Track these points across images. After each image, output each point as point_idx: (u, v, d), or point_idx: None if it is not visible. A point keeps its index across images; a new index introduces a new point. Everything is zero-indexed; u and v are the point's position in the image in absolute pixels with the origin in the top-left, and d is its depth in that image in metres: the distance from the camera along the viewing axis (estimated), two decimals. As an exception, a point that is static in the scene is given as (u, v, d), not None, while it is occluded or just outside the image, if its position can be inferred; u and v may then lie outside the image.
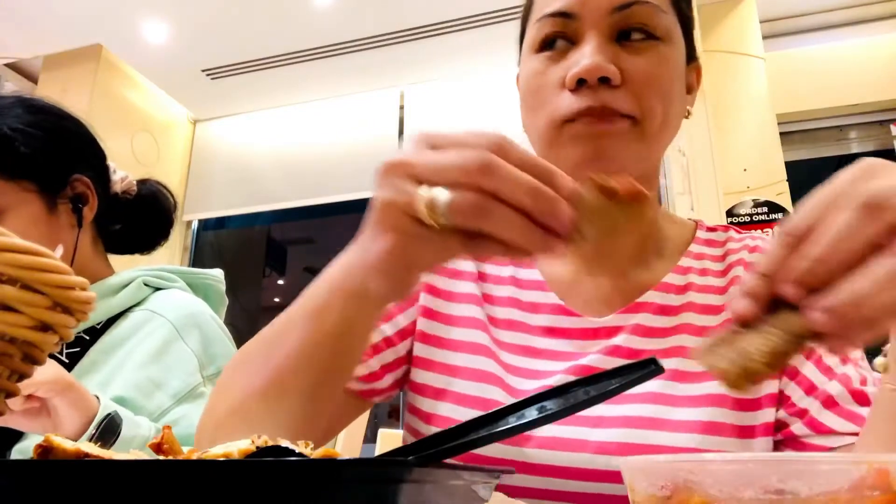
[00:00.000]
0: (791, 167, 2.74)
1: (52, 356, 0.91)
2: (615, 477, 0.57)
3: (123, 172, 1.04)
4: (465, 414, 0.64)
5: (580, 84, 0.60)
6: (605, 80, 0.59)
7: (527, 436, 0.61)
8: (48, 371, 0.73)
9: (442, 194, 0.37)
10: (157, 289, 1.03)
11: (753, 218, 2.68)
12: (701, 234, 0.74)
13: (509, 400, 0.62)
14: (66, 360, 0.92)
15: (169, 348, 0.92)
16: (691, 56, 0.69)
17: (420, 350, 0.70)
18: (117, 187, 1.02)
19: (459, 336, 0.69)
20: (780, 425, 0.61)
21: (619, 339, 0.65)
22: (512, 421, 0.32)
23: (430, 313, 0.71)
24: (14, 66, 3.48)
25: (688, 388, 0.61)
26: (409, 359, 0.71)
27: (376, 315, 0.49)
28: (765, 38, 2.88)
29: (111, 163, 1.05)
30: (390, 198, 0.40)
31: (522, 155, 0.38)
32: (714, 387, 0.61)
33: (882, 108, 2.92)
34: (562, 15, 0.62)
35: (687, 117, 0.69)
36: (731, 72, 2.81)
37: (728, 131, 2.72)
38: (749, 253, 0.70)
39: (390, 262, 0.42)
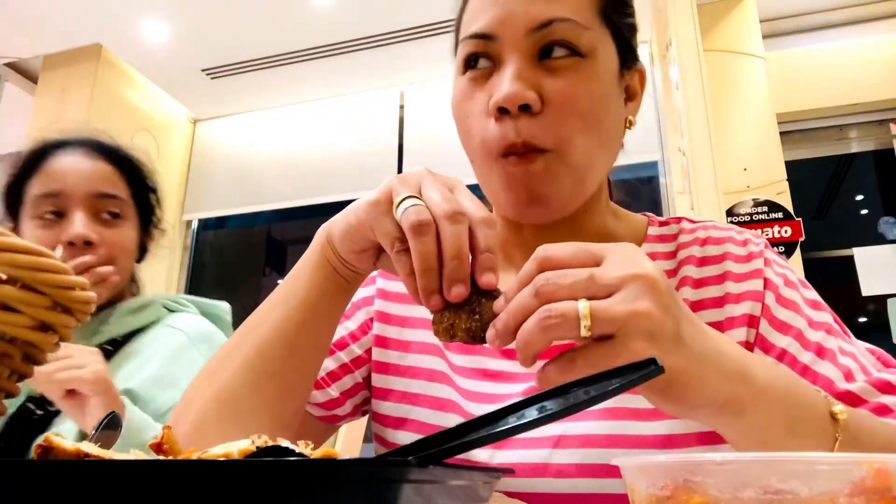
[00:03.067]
0: (791, 167, 2.74)
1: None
2: (581, 500, 0.57)
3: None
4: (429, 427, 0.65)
5: (502, 112, 0.59)
6: (525, 108, 0.58)
7: (487, 463, 0.60)
8: (97, 368, 0.82)
9: (408, 201, 0.46)
10: (174, 311, 1.15)
11: (753, 217, 2.68)
12: (653, 230, 0.71)
13: None
14: None
15: (182, 354, 1.03)
16: (632, 61, 0.66)
17: (377, 380, 0.70)
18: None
19: (415, 362, 0.69)
20: None
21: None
22: (512, 421, 0.32)
23: (383, 342, 0.71)
24: (14, 66, 3.48)
25: (644, 401, 0.60)
26: (367, 385, 0.71)
27: (339, 285, 0.56)
28: (765, 37, 2.88)
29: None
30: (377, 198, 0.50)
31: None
32: None
33: (882, 107, 2.91)
34: (482, 37, 0.61)
35: (629, 128, 0.67)
36: (731, 71, 2.81)
37: (728, 131, 2.72)
38: (700, 247, 0.67)
39: (350, 229, 0.52)
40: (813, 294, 0.64)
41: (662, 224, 0.72)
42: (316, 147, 3.69)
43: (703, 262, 0.66)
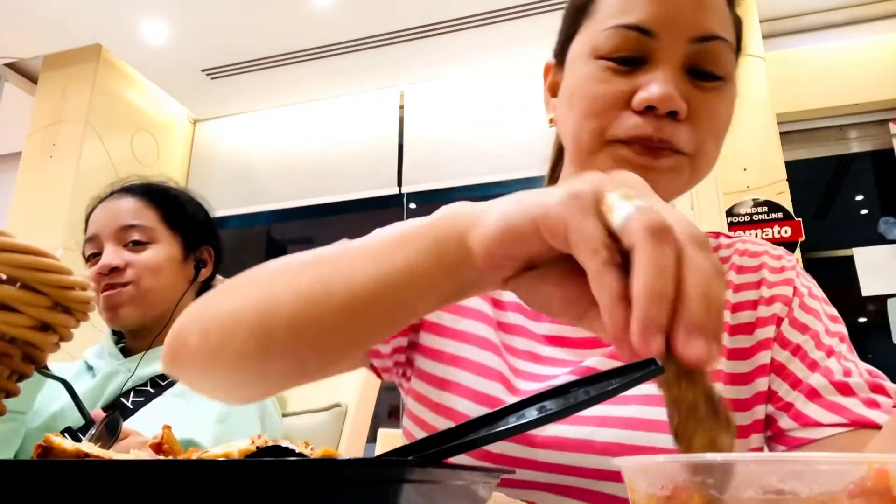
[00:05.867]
0: (791, 167, 2.74)
1: (118, 404, 1.04)
2: (620, 476, 0.57)
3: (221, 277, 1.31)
4: (467, 407, 0.64)
5: (647, 109, 0.59)
6: (672, 113, 0.59)
7: (532, 436, 0.61)
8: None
9: (633, 201, 0.33)
10: None
11: (753, 218, 2.68)
12: None
13: (511, 399, 0.62)
14: (131, 406, 1.05)
15: (233, 411, 1.07)
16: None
17: (427, 339, 0.70)
18: (215, 282, 1.28)
19: (468, 328, 0.69)
20: (769, 421, 0.62)
21: None
22: (512, 421, 0.32)
23: None
24: (14, 66, 3.48)
25: None
26: (414, 329, 0.71)
27: (438, 292, 0.43)
28: (765, 37, 2.88)
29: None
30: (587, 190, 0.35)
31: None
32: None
33: (882, 107, 2.92)
34: (641, 30, 0.60)
35: None
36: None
37: (728, 131, 2.72)
38: (739, 257, 0.71)
39: (519, 225, 0.36)
40: (833, 310, 0.69)
41: None
42: (316, 147, 3.69)
43: (741, 269, 0.70)
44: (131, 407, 1.04)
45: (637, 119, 0.59)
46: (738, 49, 0.66)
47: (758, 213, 2.68)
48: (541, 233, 0.35)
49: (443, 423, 0.66)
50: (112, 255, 1.12)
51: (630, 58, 0.61)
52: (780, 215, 2.66)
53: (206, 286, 1.25)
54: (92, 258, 1.15)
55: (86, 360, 1.16)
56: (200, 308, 0.53)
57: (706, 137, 0.62)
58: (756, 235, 2.44)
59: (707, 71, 0.61)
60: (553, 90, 0.71)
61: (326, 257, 0.48)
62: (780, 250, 0.73)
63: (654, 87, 0.58)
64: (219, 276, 1.27)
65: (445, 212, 0.43)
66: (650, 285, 0.30)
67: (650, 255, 0.31)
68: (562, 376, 0.64)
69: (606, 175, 0.37)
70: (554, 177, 0.79)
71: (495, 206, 0.40)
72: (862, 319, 3.09)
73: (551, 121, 0.71)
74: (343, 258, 0.46)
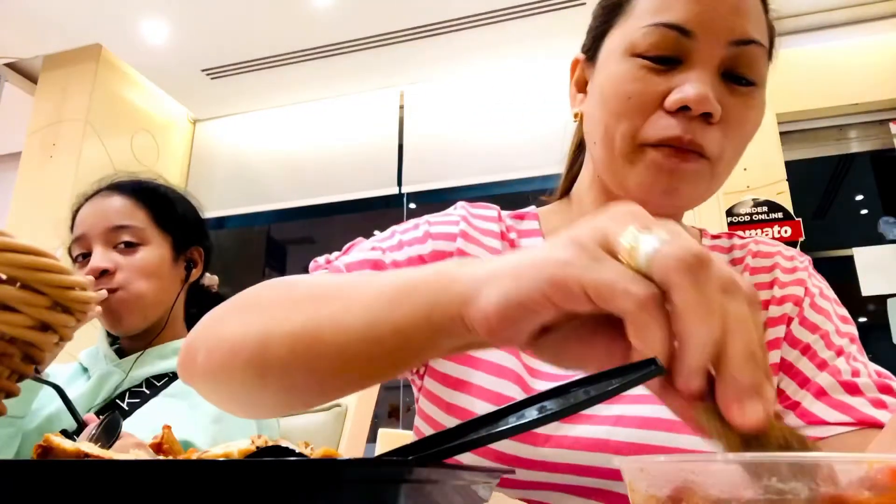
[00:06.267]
0: (791, 167, 2.74)
1: (113, 404, 1.03)
2: None
3: (215, 277, 1.30)
4: (482, 407, 0.63)
5: (680, 109, 0.59)
6: (705, 115, 0.58)
7: (546, 436, 0.60)
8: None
9: (651, 241, 0.31)
10: None
11: (753, 218, 2.68)
12: (706, 241, 0.75)
13: None
14: (127, 408, 1.03)
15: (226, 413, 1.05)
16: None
17: None
18: (205, 281, 1.27)
19: None
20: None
21: None
22: (512, 421, 0.32)
23: None
24: (14, 66, 3.48)
25: None
26: None
27: (433, 351, 0.41)
28: (765, 37, 2.87)
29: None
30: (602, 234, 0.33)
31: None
32: None
33: (882, 107, 2.91)
34: (679, 30, 0.59)
35: None
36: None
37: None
38: (752, 258, 0.71)
39: (527, 291, 0.33)
40: (844, 311, 0.69)
41: (715, 237, 0.77)
42: (316, 147, 3.69)
43: (754, 271, 0.70)
44: (127, 409, 1.03)
45: (669, 120, 0.59)
46: (770, 56, 0.66)
47: (758, 213, 2.68)
48: (552, 301, 0.32)
49: (454, 423, 0.65)
50: (102, 257, 1.09)
51: (667, 57, 0.60)
52: (779, 215, 2.66)
53: (199, 286, 1.24)
54: (80, 259, 1.12)
55: (80, 361, 1.15)
56: (209, 325, 0.54)
57: (732, 144, 0.61)
58: (756, 235, 2.44)
59: (742, 75, 0.60)
60: (580, 86, 0.71)
61: (321, 295, 0.46)
62: (794, 251, 0.73)
63: (688, 87, 0.58)
64: (208, 275, 1.25)
65: (442, 271, 0.40)
66: (701, 323, 0.29)
67: (691, 293, 0.29)
68: (575, 375, 0.64)
69: (600, 213, 0.34)
70: (572, 172, 0.78)
71: (492, 277, 0.36)
72: (862, 319, 3.08)
73: (576, 115, 0.71)
74: (339, 299, 0.44)
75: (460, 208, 0.74)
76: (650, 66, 0.60)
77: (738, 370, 0.29)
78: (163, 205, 1.18)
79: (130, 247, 1.11)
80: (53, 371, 1.12)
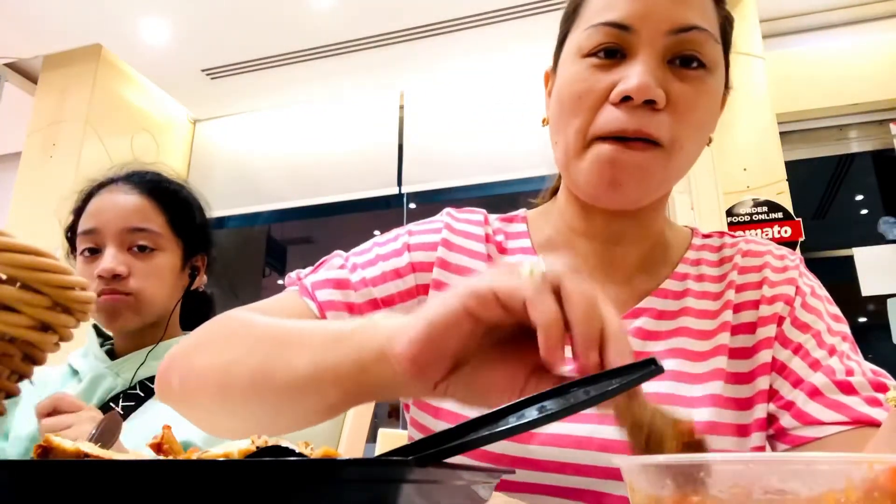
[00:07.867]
0: (791, 167, 2.74)
1: (107, 408, 1.01)
2: (618, 474, 0.57)
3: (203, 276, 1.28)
4: (470, 411, 0.63)
5: (623, 100, 0.60)
6: (649, 102, 0.60)
7: (530, 434, 0.61)
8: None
9: (544, 263, 0.40)
10: None
11: (753, 218, 2.67)
12: (696, 240, 0.76)
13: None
14: (122, 412, 1.02)
15: None
16: (728, 83, 0.71)
17: None
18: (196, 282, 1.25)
19: None
20: (770, 420, 0.63)
21: None
22: (512, 421, 0.32)
23: (441, 286, 0.70)
24: (14, 66, 3.48)
25: (689, 389, 0.62)
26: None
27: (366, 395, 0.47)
28: (765, 37, 2.87)
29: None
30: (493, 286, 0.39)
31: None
32: (713, 388, 0.62)
33: (882, 107, 2.91)
34: (619, 26, 0.61)
35: (708, 144, 0.70)
36: (731, 71, 2.81)
37: (728, 131, 2.72)
38: (742, 257, 0.71)
39: (457, 314, 0.39)
40: (836, 310, 0.69)
41: (706, 236, 0.77)
42: (316, 147, 3.69)
43: (743, 270, 0.70)
44: (122, 412, 1.01)
45: (615, 112, 0.60)
46: (726, 46, 0.67)
47: (758, 213, 2.68)
48: (470, 311, 0.39)
49: (444, 428, 0.65)
50: (116, 259, 1.06)
51: (610, 50, 0.62)
52: (779, 215, 2.65)
53: (192, 292, 1.22)
54: (88, 253, 1.08)
55: (70, 363, 1.12)
56: (181, 354, 0.59)
57: (685, 130, 0.62)
58: (756, 235, 2.44)
59: (687, 56, 0.62)
60: (550, 94, 0.73)
61: (277, 337, 0.52)
62: (784, 250, 0.73)
63: (629, 78, 0.60)
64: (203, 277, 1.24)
65: (373, 321, 0.46)
66: (579, 303, 0.38)
67: (576, 287, 0.38)
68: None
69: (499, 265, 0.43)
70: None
71: (416, 318, 0.41)
72: (862, 319, 3.09)
73: (544, 121, 0.73)
74: (291, 342, 0.50)
75: (445, 215, 0.76)
76: (596, 64, 0.63)
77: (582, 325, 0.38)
78: (180, 211, 1.16)
79: (144, 251, 1.09)
80: (43, 373, 1.09)
